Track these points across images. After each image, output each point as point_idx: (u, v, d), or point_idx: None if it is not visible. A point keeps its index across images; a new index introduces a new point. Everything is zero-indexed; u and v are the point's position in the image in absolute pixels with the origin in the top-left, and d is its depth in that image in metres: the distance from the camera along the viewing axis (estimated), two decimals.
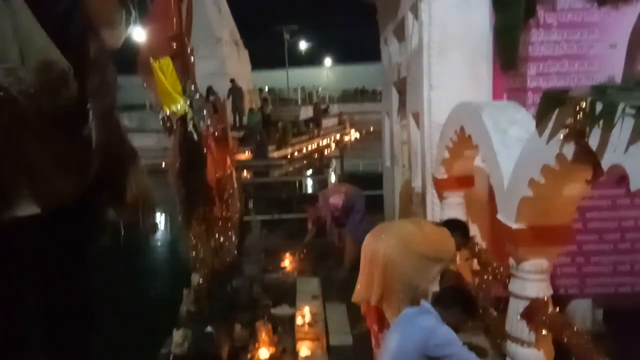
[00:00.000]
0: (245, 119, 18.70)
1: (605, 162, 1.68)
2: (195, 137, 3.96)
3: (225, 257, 4.26)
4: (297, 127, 20.88)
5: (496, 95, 4.14)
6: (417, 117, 4.92)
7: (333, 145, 22.50)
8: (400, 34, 5.68)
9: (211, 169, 4.19)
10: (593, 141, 1.73)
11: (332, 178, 10.79)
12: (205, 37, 18.07)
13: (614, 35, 4.03)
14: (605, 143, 1.64)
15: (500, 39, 3.81)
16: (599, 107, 1.68)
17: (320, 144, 21.31)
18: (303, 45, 40.71)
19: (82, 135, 1.36)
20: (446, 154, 3.94)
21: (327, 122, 25.09)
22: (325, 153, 20.26)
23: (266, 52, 35.77)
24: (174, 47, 3.67)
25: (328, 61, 46.24)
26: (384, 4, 6.90)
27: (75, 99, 1.29)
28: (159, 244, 8.86)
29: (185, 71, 3.87)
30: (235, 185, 4.62)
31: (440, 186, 4.23)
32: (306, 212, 6.45)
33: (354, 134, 27.00)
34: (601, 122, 1.66)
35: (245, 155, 14.93)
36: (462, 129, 3.44)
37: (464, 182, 4.07)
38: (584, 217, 4.16)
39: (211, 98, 5.51)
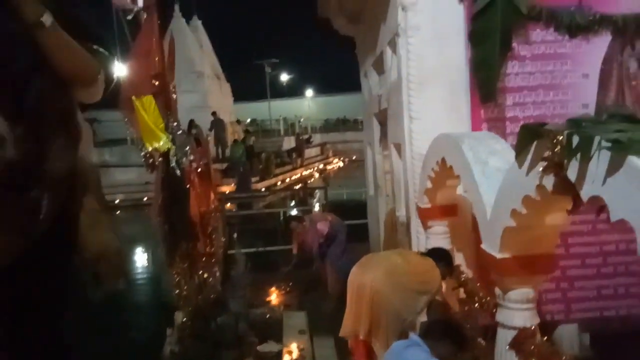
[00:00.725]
0: (228, 151, 18.72)
1: (585, 194, 1.71)
2: (178, 172, 3.95)
3: (210, 293, 4.19)
4: (280, 157, 20.97)
5: (475, 125, 4.23)
6: (398, 148, 4.98)
7: (316, 175, 22.57)
8: (380, 67, 5.80)
9: (194, 204, 4.16)
10: (571, 173, 1.76)
11: (316, 208, 10.78)
12: (187, 71, 18.26)
13: (586, 66, 4.18)
14: (583, 175, 1.68)
15: (479, 72, 3.91)
16: (575, 140, 1.73)
17: (304, 174, 21.36)
18: (284, 77, 41.30)
19: (30, 196, 1.28)
20: (429, 184, 3.98)
21: (310, 152, 25.25)
22: (309, 183, 20.31)
23: (248, 84, 36.25)
24: (157, 84, 3.69)
25: (310, 92, 46.89)
26: (362, 39, 7.07)
27: (18, 162, 1.21)
28: (140, 282, 8.67)
29: (167, 108, 3.89)
30: (219, 219, 4.59)
31: (424, 215, 4.26)
32: (292, 233, 6.38)
33: (337, 163, 27.17)
34: (578, 154, 1.70)
35: (229, 187, 14.87)
36: (443, 160, 3.49)
37: (448, 211, 4.10)
38: (567, 242, 4.21)
39: (193, 131, 5.52)
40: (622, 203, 1.52)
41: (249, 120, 31.61)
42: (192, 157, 4.16)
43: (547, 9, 4.05)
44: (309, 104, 46.22)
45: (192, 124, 12.63)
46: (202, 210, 4.14)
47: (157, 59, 3.67)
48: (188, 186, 4.03)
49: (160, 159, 3.95)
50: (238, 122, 24.26)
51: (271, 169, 18.26)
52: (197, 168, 4.22)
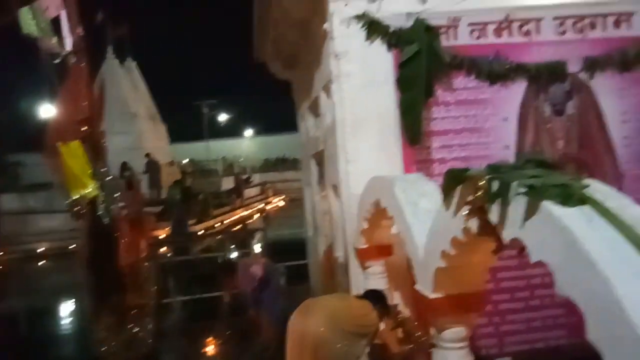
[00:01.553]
0: (163, 193, 18.15)
1: (506, 236, 1.80)
2: (107, 220, 3.77)
3: (140, 348, 3.95)
4: (219, 198, 20.57)
5: (407, 167, 4.38)
6: (336, 189, 5.05)
7: (256, 215, 22.31)
8: (316, 110, 5.94)
9: (124, 254, 3.97)
10: (493, 216, 1.86)
11: (256, 250, 10.60)
12: (120, 112, 17.78)
13: (505, 110, 4.49)
14: (504, 218, 1.77)
15: (405, 117, 4.12)
16: (495, 185, 1.83)
17: (243, 215, 21.04)
18: (223, 117, 41.15)
19: None
20: (365, 225, 4.04)
21: (249, 192, 25.01)
22: (249, 223, 20.00)
23: (186, 125, 35.75)
24: (85, 130, 3.56)
25: (249, 132, 46.90)
26: (298, 83, 7.23)
27: None
28: (64, 338, 8.01)
29: (96, 153, 3.74)
30: (151, 268, 4.40)
31: (362, 256, 4.30)
32: (224, 282, 6.18)
33: (277, 203, 27.05)
34: (498, 199, 1.80)
35: (164, 231, 14.33)
36: (377, 201, 3.57)
37: (384, 250, 4.17)
38: (496, 277, 4.38)
39: (126, 174, 5.32)
40: (539, 245, 1.62)
41: (186, 161, 30.97)
42: (121, 204, 3.99)
43: (468, 58, 4.38)
44: (248, 144, 46.15)
45: (124, 166, 12.17)
46: (132, 260, 3.95)
47: (85, 103, 3.55)
48: (117, 235, 3.84)
49: (87, 206, 3.75)
50: (173, 163, 23.73)
51: (209, 211, 17.84)
52: (127, 215, 4.04)
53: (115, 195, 3.80)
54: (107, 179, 3.77)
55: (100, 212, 3.72)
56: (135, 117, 20.29)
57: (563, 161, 4.47)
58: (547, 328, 4.48)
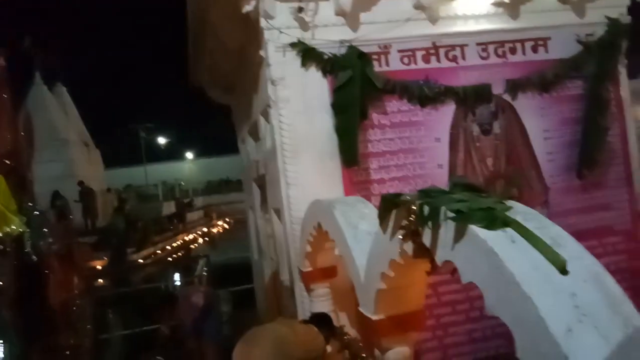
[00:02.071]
0: (99, 222, 17.34)
1: (439, 258, 1.88)
2: (35, 258, 3.56)
3: None
4: (160, 224, 19.92)
5: (347, 188, 4.47)
6: (278, 212, 5.05)
7: (200, 240, 21.76)
8: (255, 135, 5.94)
9: (54, 292, 3.75)
10: (426, 239, 1.93)
11: (200, 276, 10.30)
12: (50, 140, 16.91)
13: (437, 131, 4.69)
14: (436, 242, 1.85)
15: (341, 139, 4.22)
16: (426, 210, 1.91)
17: (186, 240, 20.47)
18: (162, 140, 40.12)
19: None
20: (308, 248, 4.06)
21: (192, 216, 24.41)
22: (193, 248, 19.47)
23: (123, 149, 34.49)
24: (8, 163, 3.36)
25: (190, 154, 45.94)
26: (237, 107, 7.23)
27: None
28: None
29: (22, 187, 3.54)
30: (86, 304, 4.18)
31: (307, 279, 4.30)
32: (164, 313, 5.96)
33: (221, 226, 26.55)
34: (430, 223, 1.87)
35: (101, 261, 13.66)
36: (319, 224, 3.61)
37: (328, 272, 4.20)
38: (437, 291, 4.51)
39: (57, 203, 5.05)
40: (468, 267, 1.70)
41: (124, 187, 29.84)
42: (51, 239, 3.79)
43: (400, 82, 4.56)
44: (189, 167, 45.17)
45: (56, 195, 11.56)
46: (64, 297, 3.73)
47: (9, 136, 3.36)
48: (47, 272, 3.62)
49: (12, 244, 3.53)
50: (109, 190, 22.79)
51: (149, 238, 17.22)
52: (58, 249, 3.83)
53: (44, 229, 3.59)
54: (35, 214, 3.56)
55: (27, 250, 3.51)
56: (67, 144, 19.36)
57: (493, 177, 4.73)
58: (487, 338, 4.65)
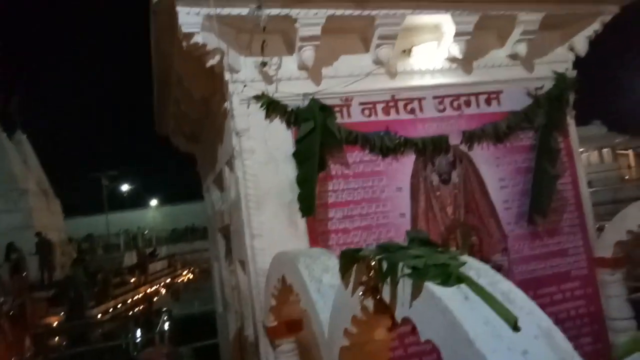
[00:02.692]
0: (56, 275, 16.58)
1: (398, 315, 1.88)
2: None
3: None
4: (121, 276, 19.19)
5: (312, 239, 4.47)
6: (243, 264, 4.97)
7: (163, 292, 21.02)
8: (220, 184, 5.92)
9: (4, 356, 3.53)
10: (386, 296, 1.94)
11: (162, 332, 9.89)
12: (8, 189, 16.36)
13: (399, 180, 4.80)
14: (395, 298, 1.86)
15: (301, 189, 4.27)
16: (384, 265, 1.93)
17: (149, 292, 19.73)
18: (125, 187, 39.33)
19: None
20: (273, 302, 3.98)
21: (155, 266, 23.65)
22: (156, 300, 18.76)
23: (84, 198, 33.58)
24: None
25: (154, 202, 45.05)
26: (202, 156, 7.22)
27: None
28: None
29: None
30: None
31: (272, 334, 4.20)
32: None
33: (186, 276, 25.80)
34: (388, 279, 1.89)
35: (58, 317, 12.96)
36: (283, 277, 3.57)
37: (294, 326, 4.11)
38: (404, 342, 4.48)
39: (13, 257, 4.84)
40: (426, 325, 1.71)
41: (84, 237, 28.79)
42: (2, 298, 3.60)
43: (361, 134, 4.69)
44: (153, 214, 44.17)
45: (10, 248, 11.07)
46: None
47: None
48: None
49: None
50: (70, 240, 21.97)
51: (109, 291, 16.52)
52: (8, 311, 3.64)
53: None
54: None
55: None
56: (26, 193, 18.73)
57: (453, 226, 4.83)
58: None
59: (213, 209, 6.84)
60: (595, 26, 5.09)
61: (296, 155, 4.36)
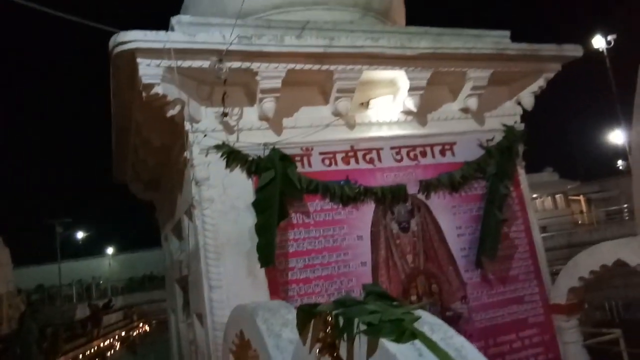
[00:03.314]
0: (3, 329, 15.47)
1: None
2: None
3: None
4: (72, 330, 18.08)
5: (273, 290, 4.39)
6: (200, 318, 4.81)
7: (118, 346, 19.91)
8: (179, 233, 5.80)
9: None
10: (343, 353, 1.92)
11: None
12: None
13: (359, 229, 4.83)
14: (351, 356, 1.84)
15: (259, 238, 4.22)
16: (341, 321, 1.92)
17: (102, 346, 18.63)
18: (80, 235, 37.82)
19: None
20: (231, 358, 3.85)
21: (109, 318, 22.44)
22: (110, 355, 17.72)
23: (36, 247, 32.02)
24: None
25: (110, 250, 43.35)
26: (161, 204, 7.08)
27: None
28: None
29: None
30: None
31: None
32: None
33: (143, 327, 24.58)
34: (344, 335, 1.87)
35: None
36: (241, 332, 3.47)
37: None
38: None
39: None
40: None
41: (34, 288, 27.24)
42: None
43: (322, 183, 4.74)
44: (110, 263, 42.38)
45: None
46: None
47: None
48: None
49: None
50: (19, 291, 20.69)
51: (59, 346, 15.49)
52: None
53: None
54: None
55: None
56: None
57: (414, 274, 4.87)
58: None
59: (171, 259, 6.65)
60: (540, 82, 5.44)
61: (256, 204, 4.35)
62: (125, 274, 37.18)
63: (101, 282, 30.54)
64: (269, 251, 4.21)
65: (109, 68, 4.29)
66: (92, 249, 41.33)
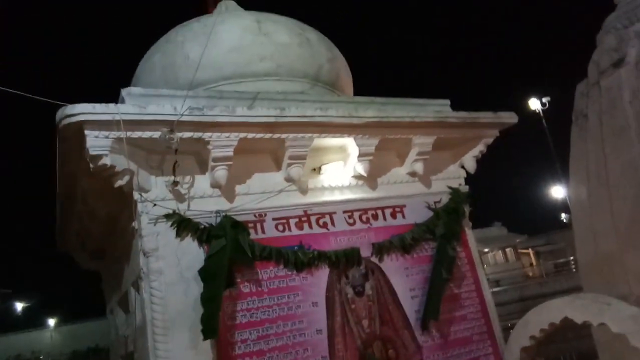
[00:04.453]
0: None
1: None
2: None
3: None
4: None
5: None
6: None
7: None
8: (125, 306, 5.52)
9: None
10: None
11: None
12: None
13: (314, 295, 4.78)
14: None
15: (204, 308, 4.05)
16: None
17: None
18: (20, 307, 35.20)
19: None
20: None
21: None
22: None
23: None
24: None
25: (52, 321, 40.40)
26: (107, 275, 6.78)
27: None
28: None
29: None
30: None
31: None
32: None
33: None
34: None
35: None
36: None
37: None
38: None
39: None
40: None
41: None
42: None
43: (275, 249, 4.70)
44: (51, 335, 39.35)
45: None
46: None
47: None
48: None
49: None
50: None
51: None
52: None
53: None
54: None
55: None
56: None
57: (370, 340, 4.81)
58: None
59: (117, 334, 6.28)
60: (480, 147, 5.76)
61: (202, 272, 4.21)
62: (69, 347, 34.47)
63: (42, 357, 28.18)
64: (212, 323, 4.02)
65: (55, 138, 4.21)
66: (33, 320, 38.40)
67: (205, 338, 4.06)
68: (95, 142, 3.93)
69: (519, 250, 31.92)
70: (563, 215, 31.93)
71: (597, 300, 4.38)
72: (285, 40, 5.84)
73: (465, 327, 5.28)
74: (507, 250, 30.69)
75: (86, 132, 3.89)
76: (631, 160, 5.13)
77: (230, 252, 4.27)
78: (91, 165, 4.08)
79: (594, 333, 5.32)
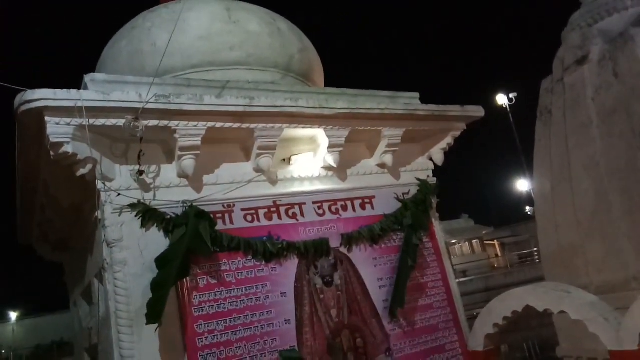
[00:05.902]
0: None
1: None
2: None
3: None
4: None
5: (191, 356, 4.16)
6: None
7: None
8: (89, 298, 5.40)
9: None
10: None
11: None
12: None
13: (283, 285, 4.77)
14: None
15: (153, 294, 3.95)
16: None
17: None
18: None
19: None
20: None
21: None
22: None
23: None
24: None
25: (14, 315, 39.19)
26: (70, 266, 6.60)
27: None
28: None
29: None
30: None
31: None
32: None
33: None
34: None
35: None
36: None
37: None
38: None
39: None
40: None
41: None
42: None
43: (244, 240, 4.66)
44: (13, 329, 38.19)
45: None
46: None
47: None
48: None
49: None
50: None
51: None
52: None
53: None
54: None
55: None
56: None
57: (338, 329, 4.85)
58: None
59: (80, 326, 6.14)
60: (448, 140, 5.84)
61: (158, 260, 4.11)
62: (32, 341, 33.56)
63: (3, 351, 27.38)
64: (157, 308, 3.91)
65: (15, 126, 4.05)
66: None
67: (148, 322, 3.92)
68: (56, 129, 3.79)
69: (485, 242, 32.73)
70: (528, 208, 32.89)
71: (557, 289, 4.55)
72: (256, 29, 5.76)
73: (431, 315, 5.38)
74: (474, 241, 31.44)
75: (46, 118, 3.75)
76: (593, 155, 5.32)
77: (190, 242, 4.19)
78: (52, 154, 3.94)
79: (555, 320, 5.55)
